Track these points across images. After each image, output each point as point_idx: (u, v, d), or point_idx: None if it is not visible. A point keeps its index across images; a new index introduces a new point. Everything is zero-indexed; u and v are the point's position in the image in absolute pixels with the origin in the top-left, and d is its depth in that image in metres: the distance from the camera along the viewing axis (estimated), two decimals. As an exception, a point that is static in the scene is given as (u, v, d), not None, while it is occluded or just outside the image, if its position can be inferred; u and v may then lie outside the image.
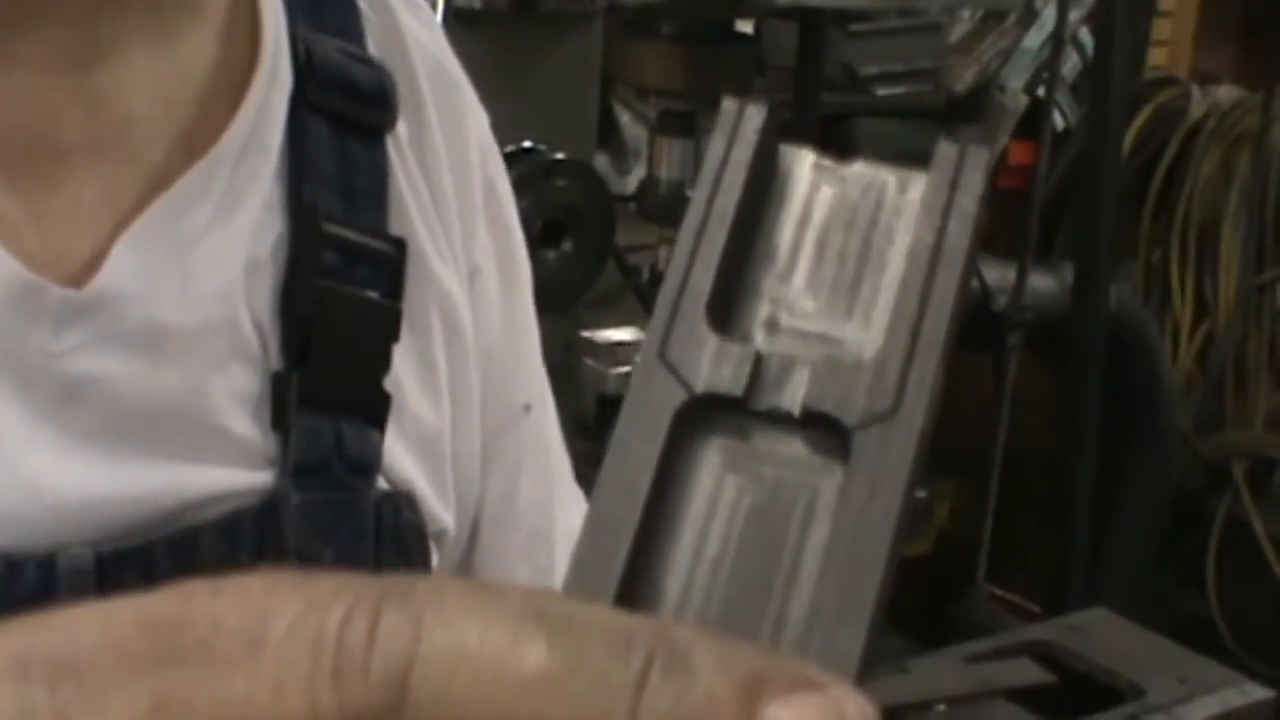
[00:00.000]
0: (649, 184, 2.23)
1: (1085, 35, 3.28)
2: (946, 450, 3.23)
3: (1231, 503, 3.30)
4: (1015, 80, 3.32)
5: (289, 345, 0.85)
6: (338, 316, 0.87)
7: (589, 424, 2.04)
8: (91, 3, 0.79)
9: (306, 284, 0.85)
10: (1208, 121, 3.41)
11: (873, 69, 3.15)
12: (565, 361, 2.15)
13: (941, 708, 1.73)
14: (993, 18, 3.32)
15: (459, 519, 0.96)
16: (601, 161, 2.54)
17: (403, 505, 0.89)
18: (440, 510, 0.94)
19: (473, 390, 0.96)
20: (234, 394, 0.83)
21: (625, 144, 2.80)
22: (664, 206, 2.22)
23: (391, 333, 0.88)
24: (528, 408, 1.00)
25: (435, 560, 0.94)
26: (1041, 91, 3.21)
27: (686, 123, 2.20)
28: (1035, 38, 3.31)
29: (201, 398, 0.82)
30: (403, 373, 0.90)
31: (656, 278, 2.30)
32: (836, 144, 3.12)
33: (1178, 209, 3.40)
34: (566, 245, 2.11)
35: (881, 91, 3.19)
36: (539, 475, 1.02)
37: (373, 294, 0.88)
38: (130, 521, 0.80)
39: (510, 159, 2.07)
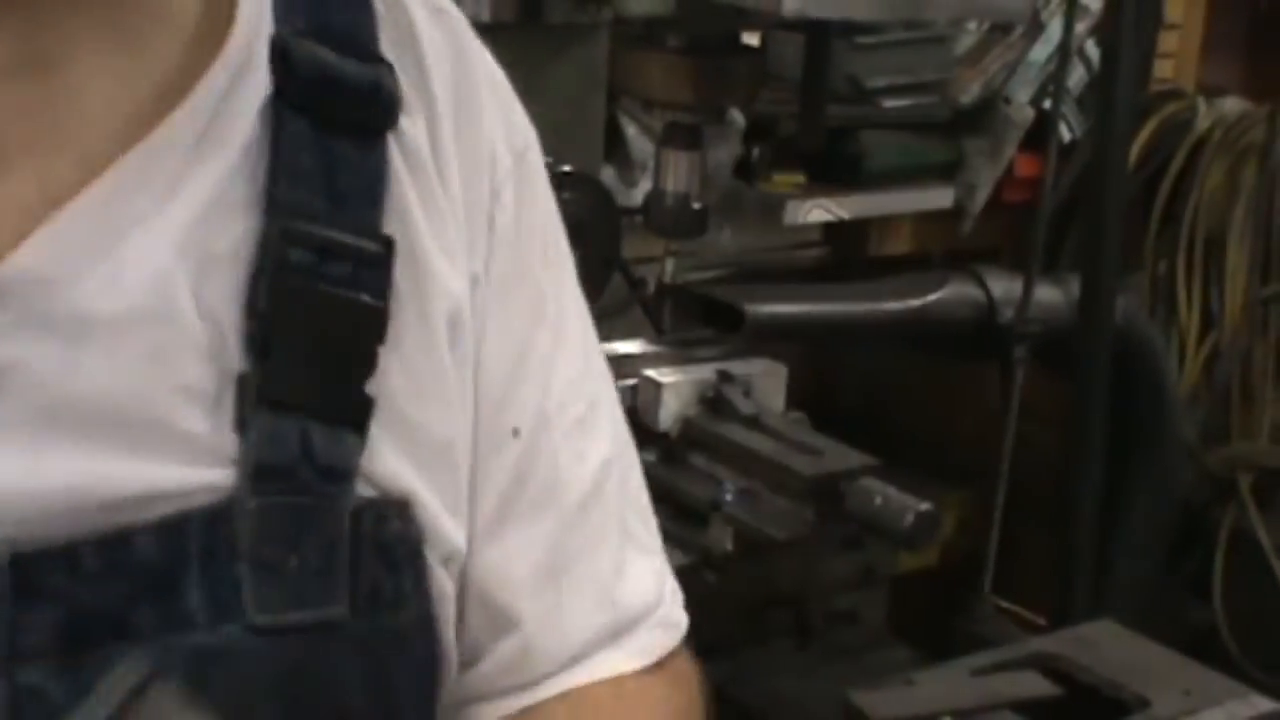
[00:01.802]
0: (655, 196, 2.23)
1: (1091, 48, 3.28)
2: (952, 462, 3.25)
3: (1237, 515, 3.30)
4: (1021, 93, 3.32)
5: (252, 343, 0.83)
6: (306, 315, 0.84)
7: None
8: (38, 12, 0.78)
9: (268, 281, 0.83)
10: (1214, 134, 3.41)
11: (879, 81, 3.15)
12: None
13: (948, 720, 1.73)
14: (999, 30, 3.32)
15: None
16: (608, 174, 2.54)
17: (390, 515, 0.87)
18: (449, 526, 0.91)
19: (469, 397, 0.94)
20: (180, 389, 0.81)
21: (631, 156, 2.81)
22: (670, 219, 2.22)
23: (375, 334, 0.86)
24: (516, 432, 0.96)
25: (441, 578, 0.91)
26: (1048, 104, 3.20)
27: (693, 135, 2.20)
28: (1041, 50, 3.31)
29: (138, 390, 0.79)
30: (400, 377, 0.88)
31: (663, 290, 2.30)
32: (842, 156, 3.12)
33: (1184, 221, 3.40)
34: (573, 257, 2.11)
35: (887, 104, 3.19)
36: (539, 509, 0.98)
37: (354, 293, 0.85)
38: (51, 516, 0.78)
39: (517, 171, 2.07)
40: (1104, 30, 2.98)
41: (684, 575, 1.91)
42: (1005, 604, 3.11)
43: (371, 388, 0.86)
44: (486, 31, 2.03)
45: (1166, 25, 3.55)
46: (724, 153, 2.94)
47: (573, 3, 2.08)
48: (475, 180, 0.94)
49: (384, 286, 0.87)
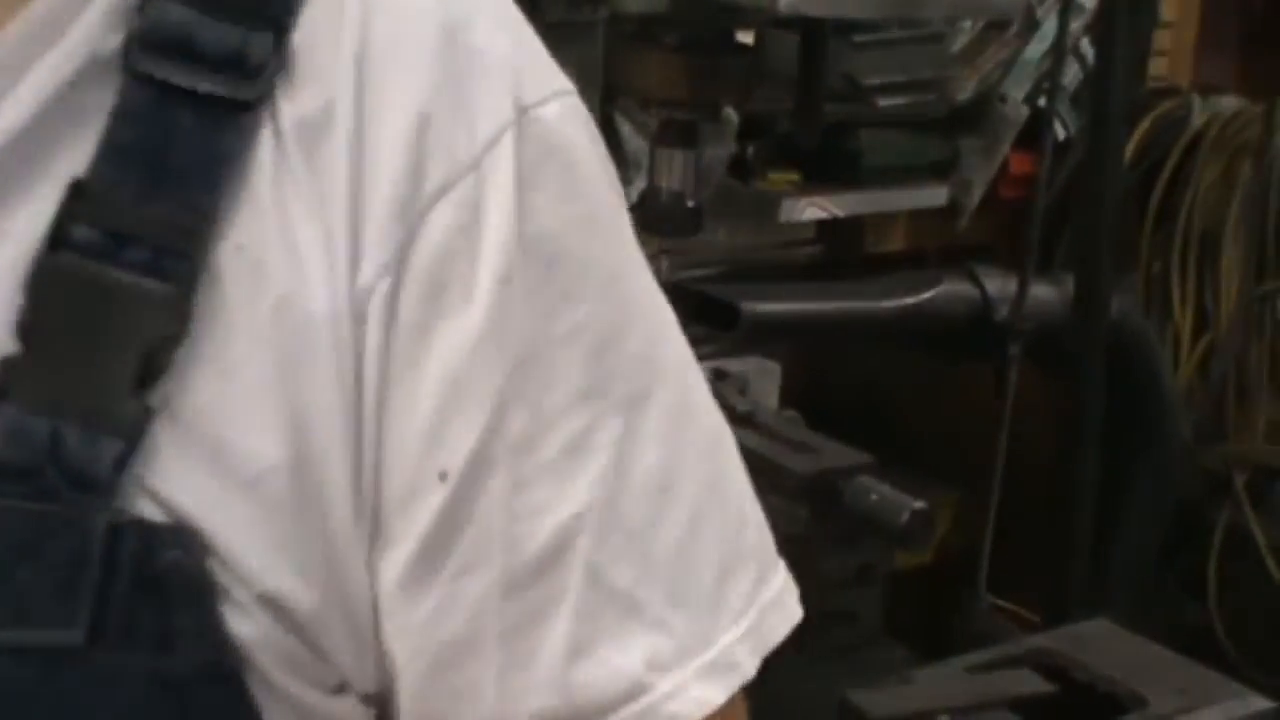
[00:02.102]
0: (650, 194, 2.23)
1: (1086, 46, 3.28)
2: (947, 461, 3.25)
3: (1233, 513, 3.30)
4: (1016, 90, 3.32)
5: (21, 327, 0.74)
6: (81, 301, 0.74)
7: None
8: None
9: (43, 260, 0.74)
10: (1209, 132, 3.41)
11: (874, 79, 3.15)
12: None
13: (944, 718, 1.73)
14: (994, 28, 3.32)
15: (328, 591, 0.79)
16: (603, 171, 2.54)
17: (166, 542, 0.75)
18: (266, 565, 0.77)
19: (329, 433, 0.78)
20: None
21: (627, 154, 2.80)
22: (665, 217, 2.22)
23: (171, 331, 0.75)
24: (442, 476, 0.79)
25: (243, 623, 0.77)
26: (1043, 102, 3.21)
27: (688, 133, 2.20)
28: (1036, 48, 3.31)
29: None
30: (210, 388, 0.76)
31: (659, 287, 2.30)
32: (838, 153, 3.12)
33: (1179, 219, 3.40)
34: (568, 255, 2.11)
35: (883, 101, 3.19)
36: (468, 571, 0.80)
37: (150, 281, 0.74)
38: None
39: (511, 169, 2.07)
40: (1099, 28, 2.98)
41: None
42: (1001, 602, 3.11)
43: (159, 394, 0.75)
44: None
45: (1161, 23, 3.56)
46: (719, 150, 2.93)
47: (568, 1, 2.08)
48: (384, 184, 0.78)
49: (192, 278, 0.75)
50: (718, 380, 2.04)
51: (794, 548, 1.95)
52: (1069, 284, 2.91)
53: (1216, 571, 3.32)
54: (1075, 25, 3.17)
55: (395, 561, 0.80)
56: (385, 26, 0.80)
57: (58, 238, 0.74)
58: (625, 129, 2.79)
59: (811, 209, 3.12)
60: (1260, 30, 3.81)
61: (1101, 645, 1.89)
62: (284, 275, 0.77)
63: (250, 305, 0.76)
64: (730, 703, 0.91)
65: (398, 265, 0.78)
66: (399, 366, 0.78)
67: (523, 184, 0.80)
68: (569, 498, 0.81)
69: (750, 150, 3.07)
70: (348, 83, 0.79)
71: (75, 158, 0.75)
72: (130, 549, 0.74)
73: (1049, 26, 3.22)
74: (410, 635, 0.81)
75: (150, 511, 0.75)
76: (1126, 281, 3.30)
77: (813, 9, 2.01)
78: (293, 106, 0.78)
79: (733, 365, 2.07)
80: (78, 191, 0.74)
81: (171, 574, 0.75)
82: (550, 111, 0.84)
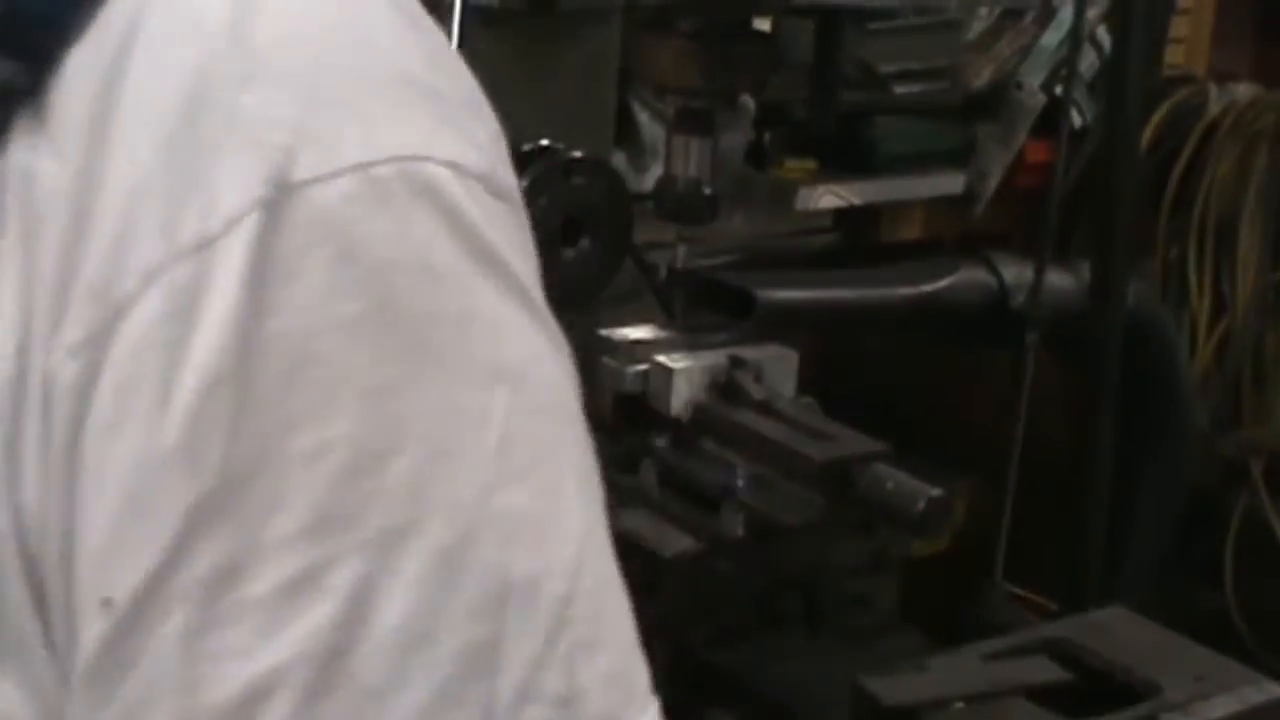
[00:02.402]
0: (667, 182, 2.23)
1: (1103, 33, 3.28)
2: (963, 448, 3.25)
3: (1250, 500, 3.30)
4: (1033, 78, 3.32)
5: None
6: None
7: (606, 422, 2.04)
8: None
9: None
10: (1225, 119, 3.41)
11: (890, 67, 3.15)
12: (582, 360, 2.15)
13: (959, 705, 1.74)
14: (1011, 16, 3.32)
15: (44, 709, 0.69)
16: (619, 159, 2.54)
17: None
18: None
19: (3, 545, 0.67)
20: None
21: (643, 142, 2.81)
22: (682, 204, 2.22)
23: None
24: (106, 604, 0.65)
25: None
26: (1059, 89, 3.20)
27: (704, 120, 2.20)
28: (1053, 36, 3.31)
29: None
30: None
31: (674, 275, 2.30)
32: (854, 141, 3.12)
33: (1195, 206, 3.40)
34: (584, 243, 2.11)
35: (899, 89, 3.19)
36: (134, 714, 0.65)
37: None
38: None
39: (528, 157, 2.07)
40: (1115, 16, 2.98)
41: (695, 561, 1.92)
42: (1017, 590, 3.11)
43: None
44: (496, 18, 2.03)
45: (1177, 11, 3.55)
46: (735, 138, 2.93)
47: (583, -12, 2.09)
48: (97, 263, 0.65)
49: None
50: (735, 368, 2.04)
51: (810, 535, 1.96)
52: (1085, 271, 2.91)
53: (1233, 558, 3.32)
54: (1092, 13, 3.17)
55: (72, 696, 0.68)
56: (137, 75, 0.67)
57: None
58: (642, 117, 2.80)
59: (828, 197, 3.12)
60: (1276, 18, 3.80)
61: (1118, 633, 1.89)
62: None
63: None
64: None
65: (95, 352, 0.65)
66: (87, 469, 0.66)
67: (269, 275, 0.65)
68: (275, 645, 0.66)
69: (767, 138, 3.08)
70: (83, 137, 0.67)
71: None
72: None
73: (1065, 14, 3.22)
74: None
75: None
76: (1143, 269, 3.30)
77: (829, -4, 2.01)
78: (24, 152, 0.68)
79: (749, 353, 2.08)
80: None
81: None
82: (333, 191, 0.66)
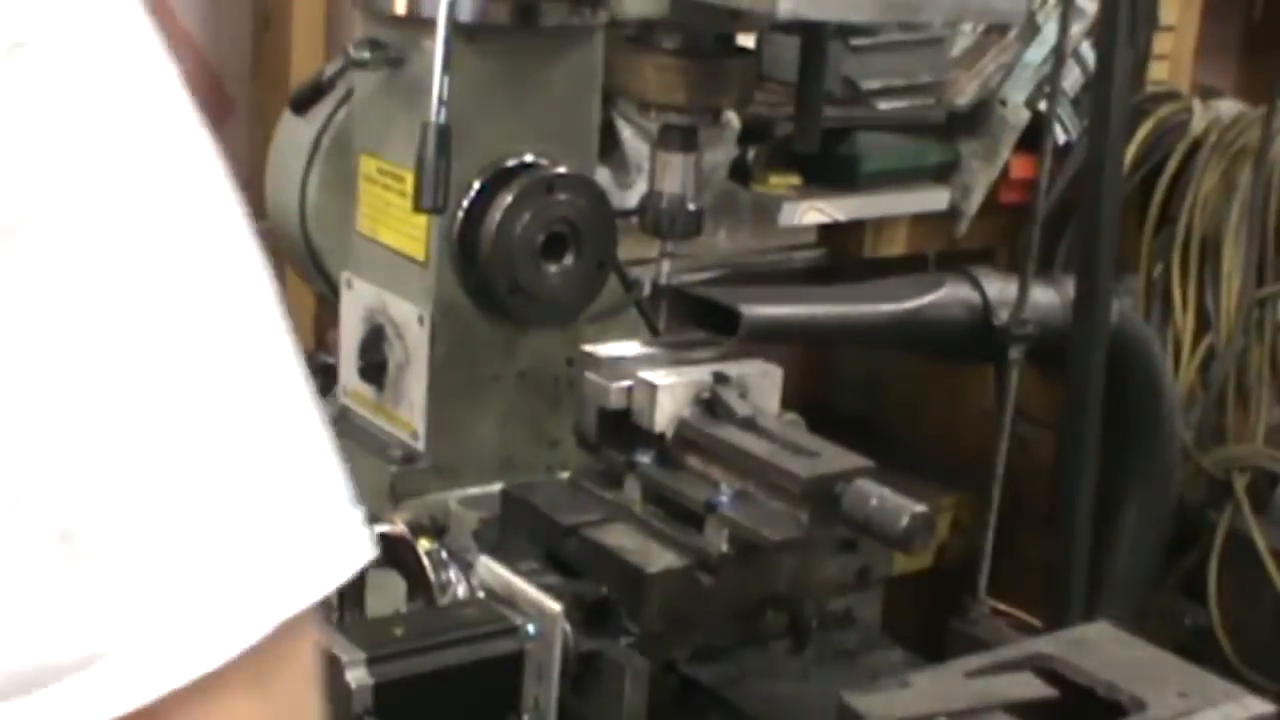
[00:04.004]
0: (650, 198, 2.23)
1: (1087, 49, 3.29)
2: (947, 464, 3.25)
3: (1233, 516, 3.31)
4: (1017, 94, 3.33)
5: None
6: None
7: (590, 438, 2.04)
8: None
9: None
10: (1209, 136, 3.42)
11: (874, 83, 3.16)
12: (566, 376, 2.15)
13: (943, 722, 1.73)
14: (994, 32, 3.33)
15: None
16: (603, 175, 2.54)
17: None
18: None
19: None
20: None
21: (627, 158, 2.81)
22: (666, 220, 2.22)
23: None
24: None
25: None
26: (1043, 106, 3.21)
27: (688, 137, 2.20)
28: (1037, 52, 3.32)
29: None
30: None
31: (658, 291, 2.30)
32: (838, 157, 3.12)
33: (1179, 223, 3.40)
34: (568, 259, 2.11)
35: (883, 105, 3.19)
36: None
37: None
38: None
39: (511, 173, 2.07)
40: (1099, 32, 2.98)
41: (679, 577, 1.91)
42: (1001, 606, 3.11)
43: None
44: (480, 34, 2.03)
45: (1161, 27, 3.56)
46: (719, 154, 2.94)
47: (567, 5, 2.08)
48: None
49: None
50: (719, 384, 2.04)
51: (794, 551, 1.96)
52: (1069, 288, 2.91)
53: (1217, 575, 3.32)
54: (1076, 29, 3.17)
55: None
56: None
57: None
58: (626, 133, 2.80)
59: (812, 213, 3.12)
60: (1260, 34, 3.81)
61: (1101, 649, 1.89)
62: None
63: None
64: None
65: None
66: None
67: None
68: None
69: (751, 154, 3.08)
70: None
71: None
72: None
73: (1049, 30, 3.23)
74: None
75: None
76: (1127, 285, 3.30)
77: (813, 12, 2.01)
78: None
79: (733, 369, 2.07)
80: None
81: None
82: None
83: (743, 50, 2.32)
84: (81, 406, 0.70)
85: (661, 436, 2.02)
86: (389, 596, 1.88)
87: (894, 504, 1.83)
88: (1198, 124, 3.44)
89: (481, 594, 1.84)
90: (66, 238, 0.69)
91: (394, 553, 1.87)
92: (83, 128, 0.70)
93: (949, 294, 2.85)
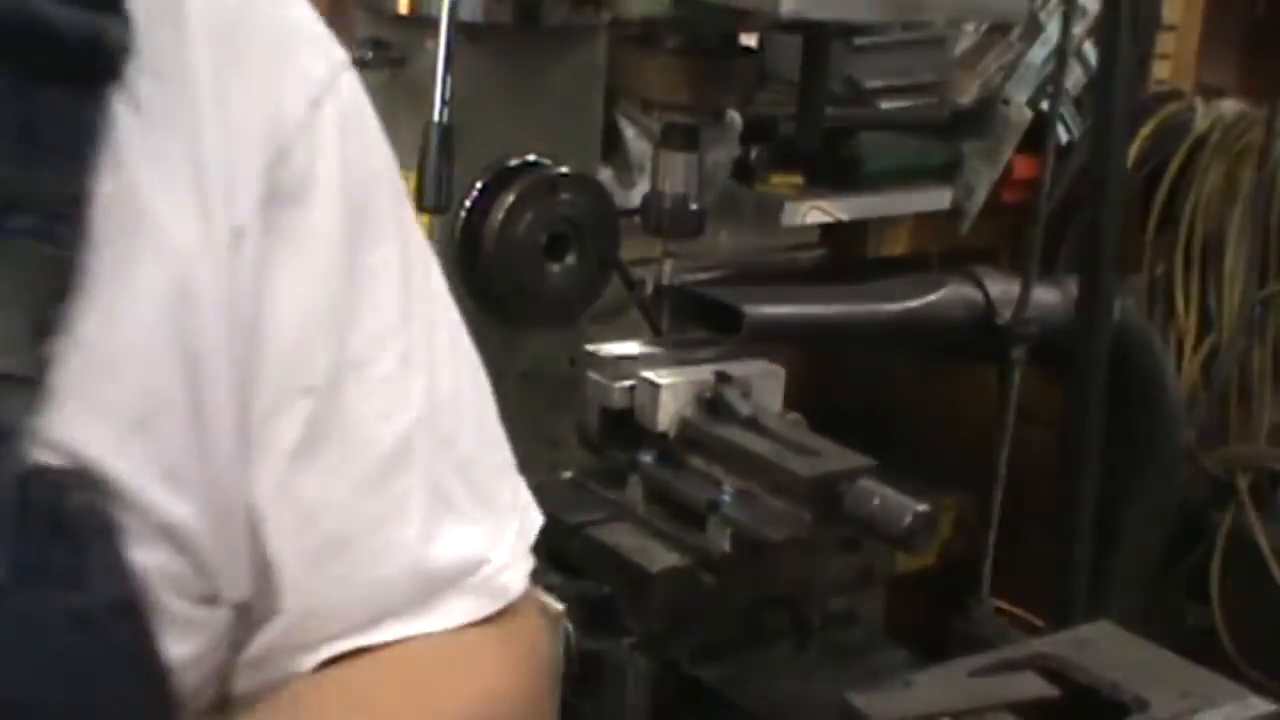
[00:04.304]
0: (653, 197, 2.23)
1: (1089, 49, 3.28)
2: (950, 463, 3.25)
3: (1236, 516, 3.30)
4: (1019, 94, 3.32)
5: None
6: None
7: (593, 438, 2.04)
8: None
9: None
10: (1212, 135, 3.41)
11: (877, 82, 3.16)
12: (569, 375, 2.15)
13: (945, 721, 1.73)
14: (997, 31, 3.32)
15: (210, 509, 0.88)
16: (605, 175, 2.54)
17: (71, 486, 0.81)
18: (163, 497, 0.85)
19: (217, 361, 0.88)
20: None
21: (629, 157, 2.81)
22: (668, 220, 2.22)
23: (63, 288, 0.81)
24: (307, 390, 0.91)
25: (149, 557, 0.84)
26: (1046, 105, 3.21)
27: (690, 136, 2.20)
28: (1039, 51, 3.32)
29: None
30: (99, 336, 0.82)
31: (660, 291, 2.30)
32: (840, 157, 3.12)
33: (1182, 222, 3.40)
34: (570, 259, 2.11)
35: (885, 105, 3.19)
36: (333, 472, 0.93)
37: (41, 245, 0.81)
38: None
39: (514, 173, 2.07)
40: (1102, 31, 2.98)
41: (682, 576, 1.91)
42: (1003, 605, 3.11)
43: (56, 345, 0.81)
44: (483, 34, 2.03)
45: (1164, 26, 3.55)
46: (722, 154, 2.93)
47: (570, 4, 2.08)
48: (243, 137, 0.89)
49: (77, 239, 0.82)
50: (721, 383, 2.04)
51: (797, 550, 1.96)
52: (1072, 287, 2.91)
53: (1219, 574, 3.32)
54: (1078, 28, 3.17)
55: (270, 469, 0.91)
56: (214, 13, 0.90)
57: None
58: (628, 132, 2.80)
59: (814, 212, 3.12)
60: (1263, 33, 3.81)
61: (1104, 648, 1.89)
62: (155, 229, 0.85)
63: (132, 257, 0.83)
64: (529, 590, 1.05)
65: (262, 211, 0.89)
66: (269, 294, 0.90)
67: (343, 139, 0.94)
68: (405, 407, 0.96)
69: (753, 153, 3.08)
70: (209, 66, 0.88)
71: None
72: (39, 495, 0.79)
73: (1052, 29, 3.22)
74: (289, 536, 0.92)
75: (53, 458, 0.80)
76: (1129, 285, 3.30)
77: (815, 12, 2.01)
78: (147, 81, 0.85)
79: (736, 369, 2.07)
80: None
81: (80, 516, 0.80)
82: (350, 76, 0.97)
83: (745, 50, 2.33)
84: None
85: (664, 436, 2.02)
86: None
87: (896, 503, 1.83)
88: (1200, 123, 3.43)
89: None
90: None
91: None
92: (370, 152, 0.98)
93: (951, 293, 2.85)
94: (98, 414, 0.82)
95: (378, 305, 0.95)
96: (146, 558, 0.84)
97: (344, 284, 0.93)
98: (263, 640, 0.95)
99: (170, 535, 0.86)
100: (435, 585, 0.98)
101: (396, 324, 0.96)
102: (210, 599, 0.91)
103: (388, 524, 0.95)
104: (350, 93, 0.96)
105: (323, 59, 0.95)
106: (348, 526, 0.94)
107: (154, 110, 0.86)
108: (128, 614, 0.84)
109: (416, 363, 0.97)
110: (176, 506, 0.86)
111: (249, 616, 0.94)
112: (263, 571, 0.93)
